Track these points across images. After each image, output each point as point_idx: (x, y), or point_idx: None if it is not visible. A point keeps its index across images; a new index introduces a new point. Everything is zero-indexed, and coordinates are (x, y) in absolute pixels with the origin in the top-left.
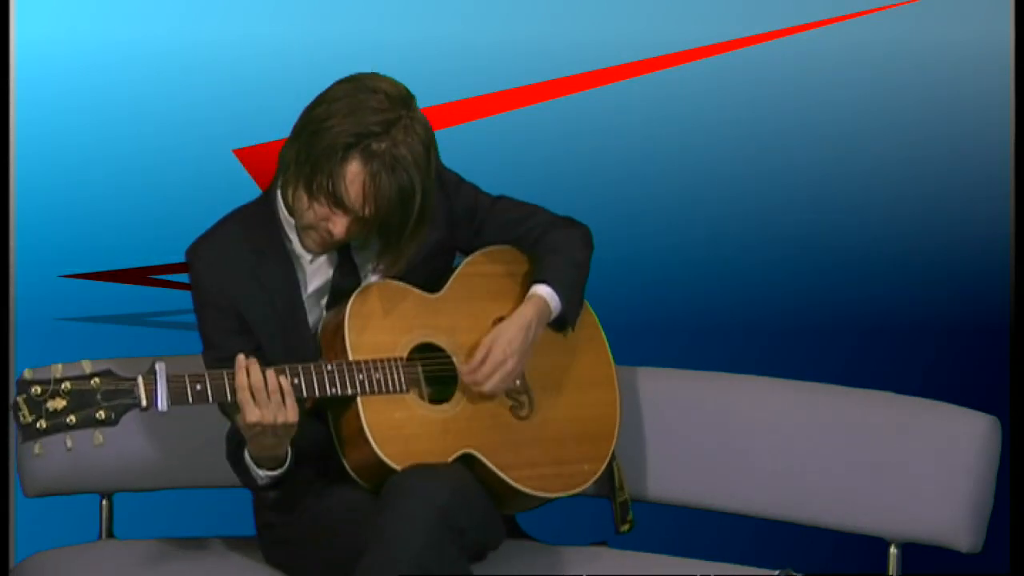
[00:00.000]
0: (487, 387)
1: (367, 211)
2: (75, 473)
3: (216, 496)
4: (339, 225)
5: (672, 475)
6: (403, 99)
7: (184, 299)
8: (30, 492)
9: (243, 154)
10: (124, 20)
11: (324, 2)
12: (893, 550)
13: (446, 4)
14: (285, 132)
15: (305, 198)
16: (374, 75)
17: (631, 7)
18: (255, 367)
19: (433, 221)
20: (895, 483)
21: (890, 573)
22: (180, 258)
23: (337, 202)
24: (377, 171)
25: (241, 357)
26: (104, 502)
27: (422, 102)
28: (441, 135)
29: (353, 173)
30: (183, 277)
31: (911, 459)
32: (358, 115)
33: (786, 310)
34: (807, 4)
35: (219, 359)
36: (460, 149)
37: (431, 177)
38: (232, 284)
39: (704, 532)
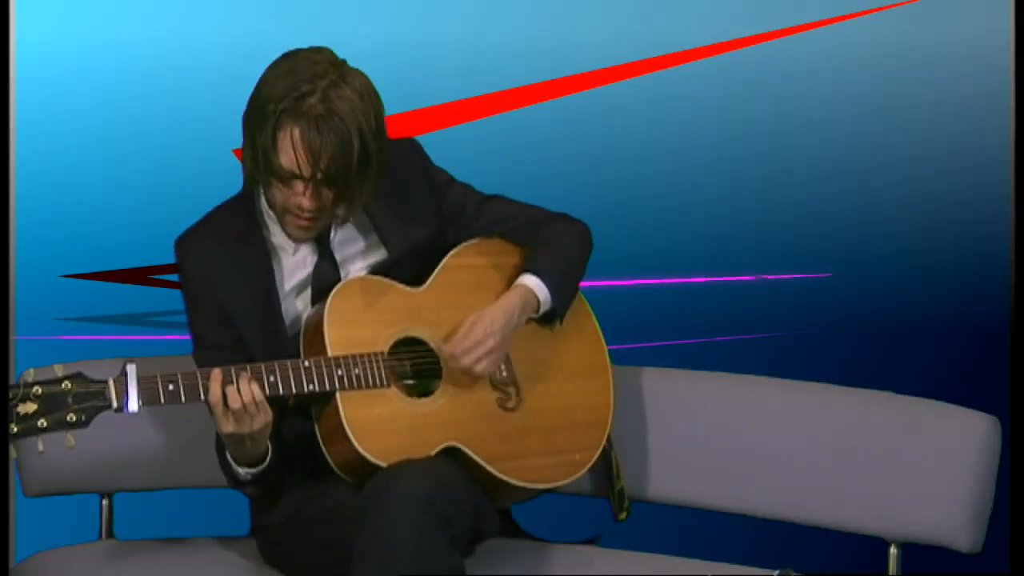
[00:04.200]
0: (465, 362)
1: (318, 171)
2: (75, 473)
3: (216, 496)
4: (305, 197)
5: (672, 475)
6: (331, 63)
7: None
8: (30, 492)
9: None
10: (124, 20)
11: (324, 2)
12: (893, 550)
13: (446, 4)
14: None
15: (266, 182)
16: (298, 50)
17: (631, 7)
18: (231, 386)
19: (421, 219)
20: (895, 483)
21: (890, 573)
22: None
23: (287, 173)
24: (305, 129)
25: (217, 371)
26: (104, 502)
27: (422, 102)
28: (441, 135)
29: (286, 139)
30: None
31: (911, 459)
32: (285, 81)
33: (786, 310)
34: (807, 4)
35: (204, 347)
36: (460, 149)
37: (370, 123)
38: (214, 274)
39: (704, 532)
